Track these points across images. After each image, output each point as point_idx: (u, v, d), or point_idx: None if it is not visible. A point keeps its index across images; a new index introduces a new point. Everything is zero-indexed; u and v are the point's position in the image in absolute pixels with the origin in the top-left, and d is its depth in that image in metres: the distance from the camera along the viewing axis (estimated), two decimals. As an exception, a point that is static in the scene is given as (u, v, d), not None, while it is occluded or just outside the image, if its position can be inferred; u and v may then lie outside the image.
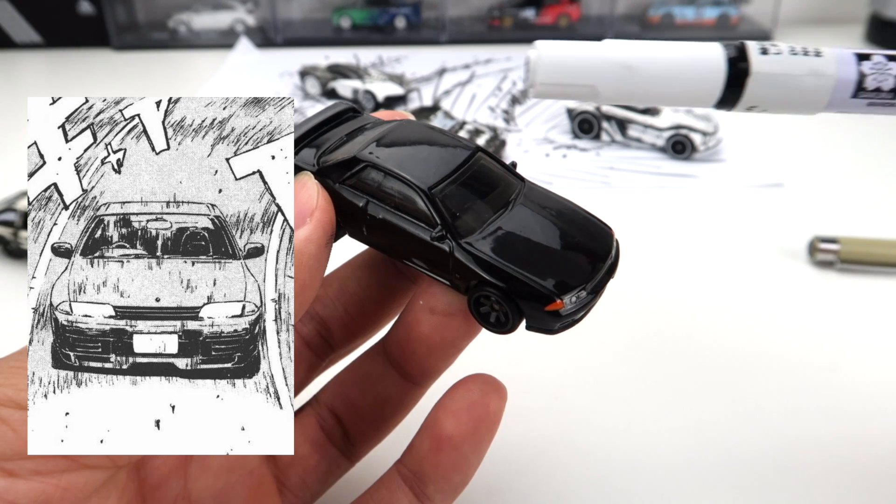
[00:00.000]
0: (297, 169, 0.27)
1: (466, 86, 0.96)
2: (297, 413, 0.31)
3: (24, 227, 0.54)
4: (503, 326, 0.26)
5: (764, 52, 0.23)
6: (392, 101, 0.88)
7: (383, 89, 0.88)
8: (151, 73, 1.07)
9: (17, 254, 0.56)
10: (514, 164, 0.29)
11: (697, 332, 0.47)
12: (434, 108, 0.80)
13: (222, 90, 0.95)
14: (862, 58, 0.23)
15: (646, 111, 0.75)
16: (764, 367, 0.44)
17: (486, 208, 0.27)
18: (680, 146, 0.72)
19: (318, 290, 0.26)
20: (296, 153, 0.28)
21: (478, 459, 0.27)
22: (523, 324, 0.26)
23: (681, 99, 0.24)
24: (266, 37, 1.20)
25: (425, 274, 0.27)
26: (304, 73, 0.93)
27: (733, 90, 0.23)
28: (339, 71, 0.92)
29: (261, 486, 0.28)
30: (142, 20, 1.27)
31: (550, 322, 0.25)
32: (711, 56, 0.23)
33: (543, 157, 0.74)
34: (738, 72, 0.23)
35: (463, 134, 0.71)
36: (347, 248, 0.31)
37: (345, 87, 0.90)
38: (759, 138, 0.78)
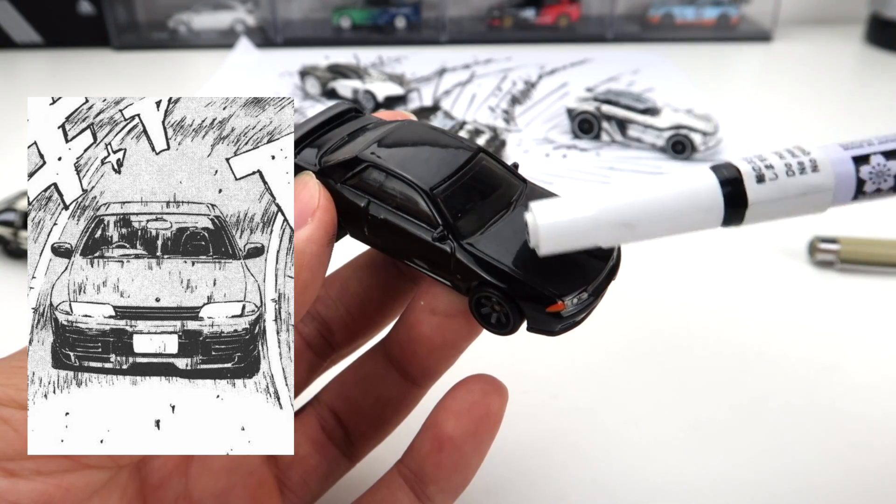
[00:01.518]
0: (299, 169, 0.27)
1: (466, 86, 0.96)
2: (298, 413, 0.31)
3: (24, 227, 0.54)
4: (504, 327, 0.26)
5: (760, 179, 0.22)
6: (392, 101, 0.88)
7: (383, 89, 0.88)
8: (151, 73, 1.07)
9: (17, 254, 0.56)
10: (515, 166, 0.29)
11: (697, 332, 0.47)
12: (434, 108, 0.80)
13: (222, 90, 0.95)
14: (860, 161, 0.22)
15: (646, 111, 0.75)
16: (764, 367, 0.44)
17: (487, 209, 0.27)
18: (680, 146, 0.72)
19: (320, 290, 0.26)
20: (297, 153, 0.28)
21: (479, 460, 0.27)
22: (524, 325, 0.26)
23: (684, 232, 0.24)
24: (266, 37, 1.20)
25: (426, 275, 0.27)
26: (304, 73, 0.94)
27: (733, 219, 0.23)
28: (339, 71, 0.92)
29: (261, 486, 0.28)
30: (142, 20, 1.27)
31: (551, 323, 0.25)
32: (708, 196, 0.22)
33: (543, 157, 0.74)
34: (735, 204, 0.22)
35: (463, 134, 0.71)
36: (349, 249, 0.31)
37: (345, 87, 0.90)
38: (760, 138, 0.78)
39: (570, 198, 0.23)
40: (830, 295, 0.51)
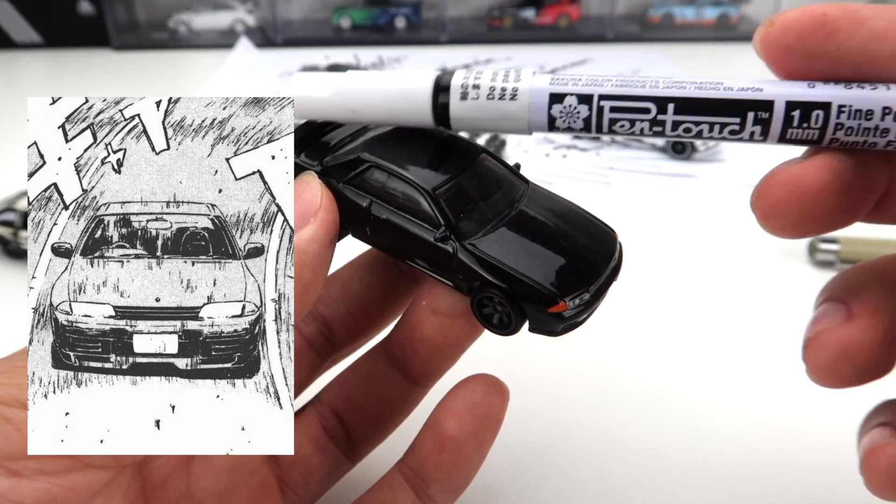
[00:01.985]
0: (301, 168, 0.27)
1: (466, 86, 0.96)
2: (299, 412, 0.31)
3: (24, 227, 0.54)
4: (506, 328, 0.26)
5: (464, 97, 0.25)
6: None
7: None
8: (151, 73, 1.07)
9: (17, 254, 0.56)
10: (517, 166, 0.29)
11: (697, 332, 0.47)
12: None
13: (222, 90, 0.95)
14: (555, 99, 0.24)
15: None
16: (763, 367, 0.44)
17: (489, 210, 0.27)
18: (680, 146, 0.72)
19: (321, 289, 0.26)
20: (300, 153, 0.28)
21: (480, 459, 0.27)
22: (526, 326, 0.26)
23: (403, 124, 0.26)
24: (266, 37, 1.20)
25: (428, 275, 0.27)
26: (304, 73, 0.93)
27: (443, 123, 0.25)
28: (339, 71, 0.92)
29: (262, 485, 0.28)
30: (142, 20, 1.27)
31: (553, 324, 0.25)
32: (421, 100, 0.25)
33: (543, 157, 0.74)
34: (444, 112, 0.25)
35: (463, 134, 0.71)
36: (350, 248, 0.31)
37: (345, 87, 0.90)
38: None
39: (322, 76, 0.26)
40: (830, 295, 0.51)
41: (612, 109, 0.23)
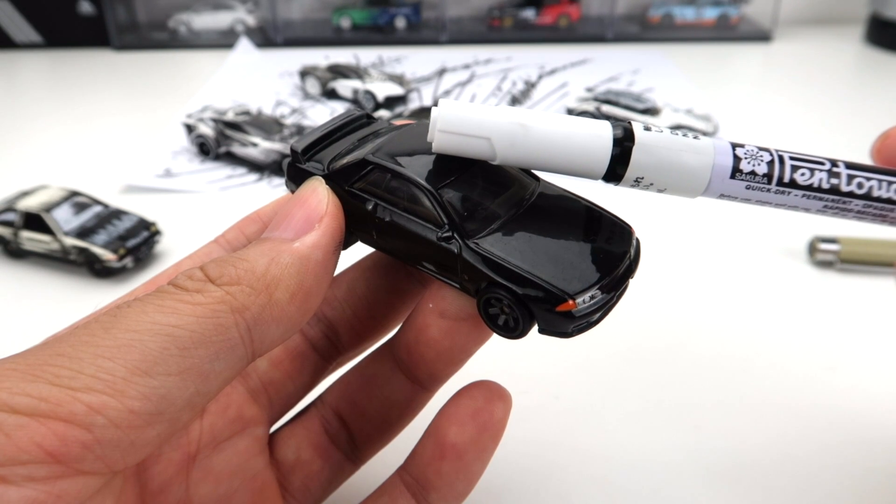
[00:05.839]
0: (308, 174, 0.27)
1: (466, 86, 0.96)
2: (301, 415, 0.31)
3: (25, 227, 0.54)
4: (512, 331, 0.25)
5: (647, 129, 0.25)
6: (392, 101, 0.88)
7: (383, 89, 0.88)
8: (151, 73, 1.07)
9: (17, 254, 0.56)
10: None
11: (697, 332, 0.47)
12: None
13: (222, 90, 0.95)
14: (735, 145, 0.25)
15: (645, 111, 0.75)
16: (763, 367, 0.44)
17: (497, 208, 0.26)
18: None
19: (327, 292, 0.25)
20: (307, 159, 0.28)
21: (482, 467, 0.27)
22: (535, 328, 0.25)
23: (570, 167, 0.25)
24: (266, 37, 1.19)
25: (436, 278, 0.27)
26: (304, 73, 0.93)
27: (620, 162, 0.25)
28: (339, 71, 0.92)
29: (264, 491, 0.28)
30: (142, 20, 1.27)
31: (563, 324, 0.24)
32: (601, 129, 0.25)
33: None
34: (624, 146, 0.25)
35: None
36: (356, 250, 0.30)
37: (345, 87, 0.90)
38: (759, 138, 0.78)
39: (474, 114, 0.25)
40: (830, 295, 0.51)
41: (792, 158, 0.25)
